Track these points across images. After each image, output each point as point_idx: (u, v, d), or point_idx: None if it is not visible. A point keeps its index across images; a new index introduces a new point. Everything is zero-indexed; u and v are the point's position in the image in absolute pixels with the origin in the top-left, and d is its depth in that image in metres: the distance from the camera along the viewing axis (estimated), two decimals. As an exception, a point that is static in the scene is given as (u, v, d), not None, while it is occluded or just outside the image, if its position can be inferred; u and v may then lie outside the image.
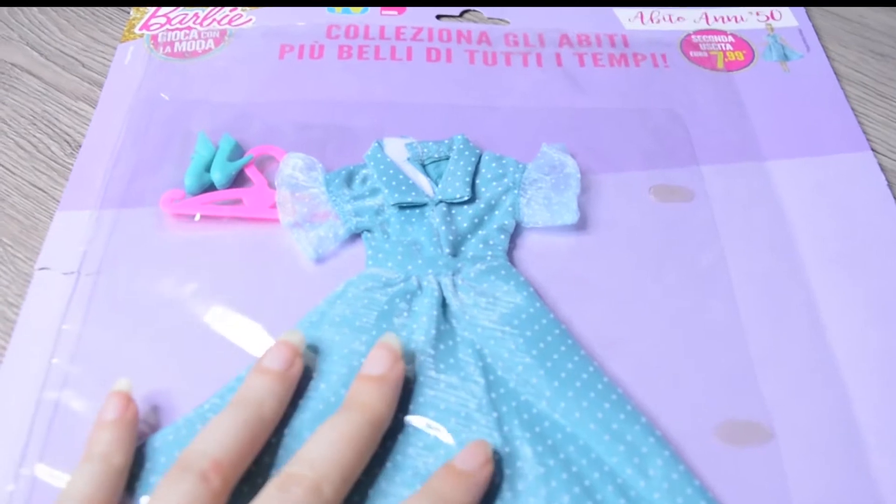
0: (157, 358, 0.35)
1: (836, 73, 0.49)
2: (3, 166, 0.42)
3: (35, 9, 0.50)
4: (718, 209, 0.41)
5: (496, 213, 0.40)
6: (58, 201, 0.41)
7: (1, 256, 0.39)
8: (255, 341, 0.36)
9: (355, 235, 0.39)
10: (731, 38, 0.51)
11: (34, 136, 0.44)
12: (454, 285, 0.37)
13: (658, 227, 0.41)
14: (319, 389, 0.34)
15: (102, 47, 0.48)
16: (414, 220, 0.39)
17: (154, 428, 0.33)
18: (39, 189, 0.41)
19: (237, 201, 0.40)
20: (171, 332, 0.36)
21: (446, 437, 0.33)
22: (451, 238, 0.38)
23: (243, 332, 0.36)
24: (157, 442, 0.33)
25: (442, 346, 0.35)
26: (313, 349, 0.35)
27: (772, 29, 0.51)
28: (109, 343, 0.35)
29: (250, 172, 0.41)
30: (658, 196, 0.42)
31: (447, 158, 0.42)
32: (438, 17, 0.51)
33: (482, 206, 0.40)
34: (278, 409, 0.32)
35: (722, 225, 0.41)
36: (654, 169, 0.43)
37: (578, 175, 0.41)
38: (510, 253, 0.39)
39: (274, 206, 0.40)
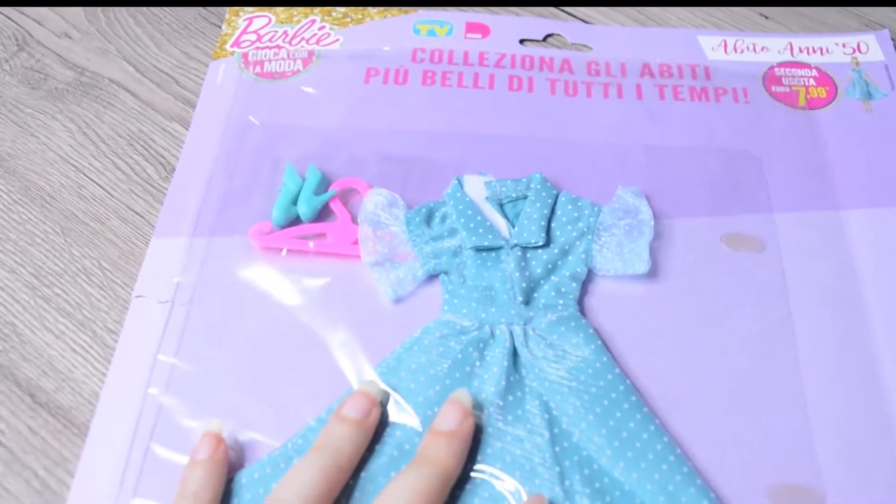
0: (245, 391, 0.38)
1: (920, 115, 0.48)
2: (103, 188, 0.45)
3: (132, 20, 0.52)
4: (789, 262, 0.42)
5: (570, 258, 0.41)
6: (153, 226, 0.43)
7: (101, 281, 0.41)
8: (338, 379, 0.38)
9: (433, 275, 0.41)
10: (814, 73, 0.50)
11: (131, 157, 0.46)
12: (525, 335, 0.39)
13: (728, 278, 0.41)
14: (395, 436, 0.36)
15: (196, 64, 0.50)
16: (490, 263, 0.41)
17: (242, 460, 0.36)
18: (136, 213, 0.44)
19: (322, 235, 0.42)
20: (258, 366, 0.38)
21: (511, 489, 0.35)
22: (524, 285, 0.40)
23: (326, 370, 0.38)
24: (244, 478, 0.35)
25: (510, 398, 0.37)
26: (390, 395, 0.37)
27: (857, 63, 0.51)
28: (201, 375, 0.38)
29: (335, 206, 0.43)
30: (730, 245, 0.43)
31: (525, 198, 0.43)
32: (522, 41, 0.51)
33: (556, 251, 0.41)
34: (355, 456, 0.35)
35: (791, 279, 0.41)
36: (728, 215, 0.44)
37: (652, 222, 0.42)
38: (581, 299, 0.40)
39: (356, 243, 0.41)
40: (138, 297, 0.40)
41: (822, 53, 0.51)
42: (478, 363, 0.38)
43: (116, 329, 0.40)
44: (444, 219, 0.42)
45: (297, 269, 0.41)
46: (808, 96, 0.49)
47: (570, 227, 0.42)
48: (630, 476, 0.35)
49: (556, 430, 0.36)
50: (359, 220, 0.42)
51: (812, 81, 0.50)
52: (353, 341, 0.39)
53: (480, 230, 0.41)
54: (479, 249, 0.41)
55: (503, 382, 0.37)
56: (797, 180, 0.45)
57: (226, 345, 0.39)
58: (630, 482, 0.35)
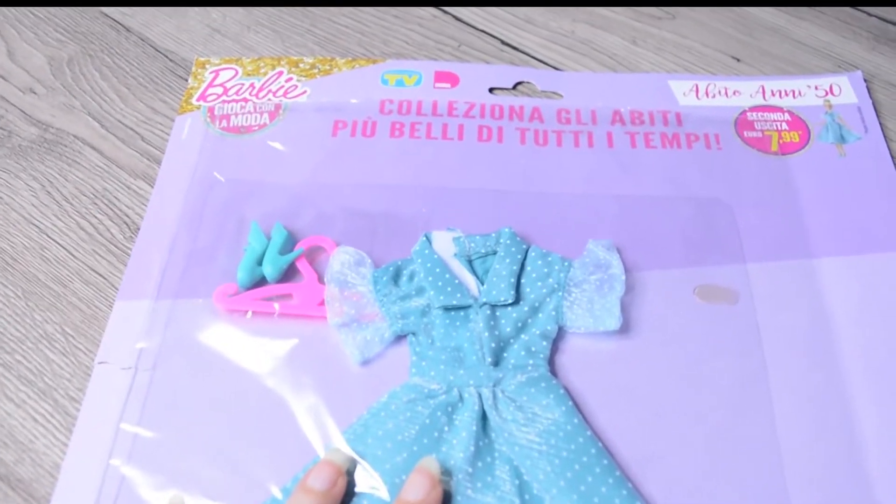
0: (209, 460, 0.37)
1: (893, 157, 0.48)
2: (66, 249, 0.44)
3: (97, 74, 0.52)
4: (763, 312, 0.41)
5: (540, 316, 0.41)
6: (117, 289, 0.42)
7: (64, 347, 0.40)
8: (304, 446, 0.37)
9: (401, 336, 0.40)
10: (787, 116, 0.50)
11: (95, 216, 0.45)
12: (494, 398, 0.38)
13: (701, 331, 0.41)
14: None
15: (161, 118, 0.49)
16: (458, 323, 0.40)
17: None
18: (100, 275, 0.43)
19: (288, 296, 0.41)
20: (222, 434, 0.37)
21: None
22: (493, 345, 0.39)
23: (292, 436, 0.37)
24: None
25: (480, 463, 0.36)
26: (357, 463, 0.36)
27: (830, 106, 0.51)
28: (164, 443, 0.37)
29: (301, 266, 0.42)
30: (703, 297, 0.42)
31: (494, 253, 0.42)
32: (491, 90, 0.51)
33: (526, 308, 0.41)
34: None
35: (765, 330, 0.41)
36: (701, 266, 0.43)
37: (623, 276, 0.42)
38: (551, 357, 0.40)
39: (323, 304, 0.41)
40: (101, 363, 0.39)
41: (794, 96, 0.51)
42: (446, 428, 0.37)
43: (78, 397, 0.39)
44: (411, 277, 0.42)
45: (263, 331, 0.40)
46: (781, 141, 0.49)
47: (539, 284, 0.41)
48: None
49: (526, 497, 0.35)
50: (325, 279, 0.41)
51: (785, 126, 0.50)
52: (320, 406, 0.38)
53: (448, 289, 0.41)
54: (447, 309, 0.40)
55: (472, 448, 0.36)
56: (770, 228, 0.45)
57: (189, 412, 0.38)
58: None
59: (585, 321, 0.40)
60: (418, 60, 0.52)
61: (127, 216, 0.45)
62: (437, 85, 0.50)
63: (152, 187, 0.46)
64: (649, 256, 0.43)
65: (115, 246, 0.44)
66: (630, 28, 0.56)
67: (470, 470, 0.36)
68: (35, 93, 0.51)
